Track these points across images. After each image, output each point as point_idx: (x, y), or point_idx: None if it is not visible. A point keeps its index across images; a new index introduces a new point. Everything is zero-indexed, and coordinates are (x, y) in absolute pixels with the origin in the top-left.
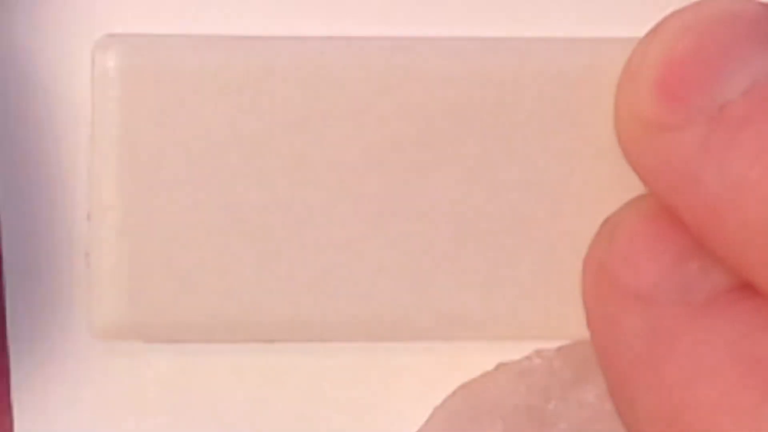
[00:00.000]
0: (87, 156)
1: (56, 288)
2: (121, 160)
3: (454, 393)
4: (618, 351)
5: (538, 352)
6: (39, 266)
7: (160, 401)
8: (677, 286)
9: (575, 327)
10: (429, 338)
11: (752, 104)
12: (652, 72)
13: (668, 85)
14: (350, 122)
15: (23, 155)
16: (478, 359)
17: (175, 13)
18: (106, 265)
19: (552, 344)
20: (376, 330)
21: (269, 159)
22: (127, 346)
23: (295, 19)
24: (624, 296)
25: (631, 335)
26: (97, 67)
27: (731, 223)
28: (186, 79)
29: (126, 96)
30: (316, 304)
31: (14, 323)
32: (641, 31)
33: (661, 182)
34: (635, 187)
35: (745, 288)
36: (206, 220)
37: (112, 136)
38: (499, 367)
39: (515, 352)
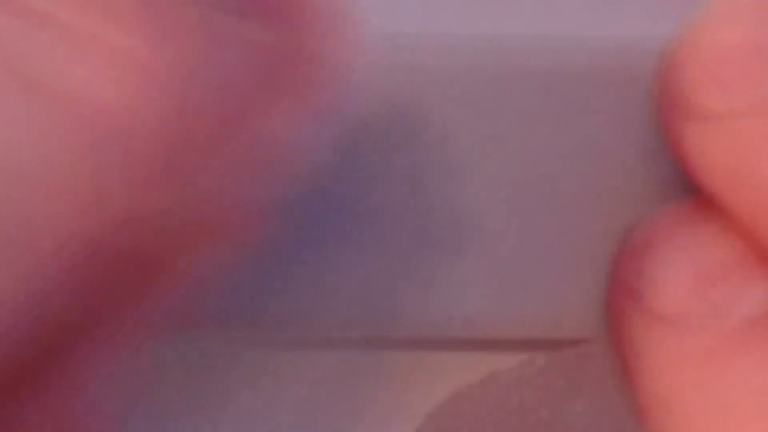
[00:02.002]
0: None
1: None
2: None
3: (446, 400)
4: (641, 375)
5: (532, 361)
6: None
7: (151, 397)
8: (705, 311)
9: (574, 327)
10: (427, 335)
11: None
12: (703, 58)
13: (719, 73)
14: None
15: None
16: (470, 367)
17: None
18: None
19: (546, 353)
20: (373, 327)
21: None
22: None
23: None
24: (652, 320)
25: (656, 361)
26: None
27: None
28: None
29: None
30: (314, 300)
31: None
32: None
33: (714, 178)
34: (639, 187)
35: None
36: None
37: None
38: (492, 375)
39: (508, 360)
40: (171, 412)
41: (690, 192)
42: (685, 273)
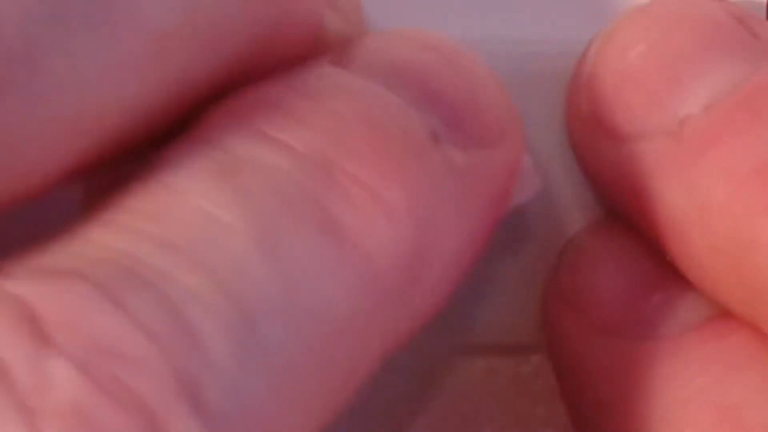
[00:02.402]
0: None
1: None
2: None
3: (441, 397)
4: (579, 384)
5: (527, 359)
6: None
7: None
8: (641, 320)
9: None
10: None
11: (715, 122)
12: (607, 78)
13: (624, 93)
14: None
15: None
16: (466, 364)
17: None
18: None
19: (541, 351)
20: None
21: None
22: None
23: None
24: (591, 331)
25: (593, 370)
26: None
27: (698, 244)
28: None
29: None
30: None
31: None
32: None
33: (622, 199)
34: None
35: (716, 322)
36: None
37: None
38: (488, 373)
39: (503, 358)
40: None
41: None
42: (621, 284)
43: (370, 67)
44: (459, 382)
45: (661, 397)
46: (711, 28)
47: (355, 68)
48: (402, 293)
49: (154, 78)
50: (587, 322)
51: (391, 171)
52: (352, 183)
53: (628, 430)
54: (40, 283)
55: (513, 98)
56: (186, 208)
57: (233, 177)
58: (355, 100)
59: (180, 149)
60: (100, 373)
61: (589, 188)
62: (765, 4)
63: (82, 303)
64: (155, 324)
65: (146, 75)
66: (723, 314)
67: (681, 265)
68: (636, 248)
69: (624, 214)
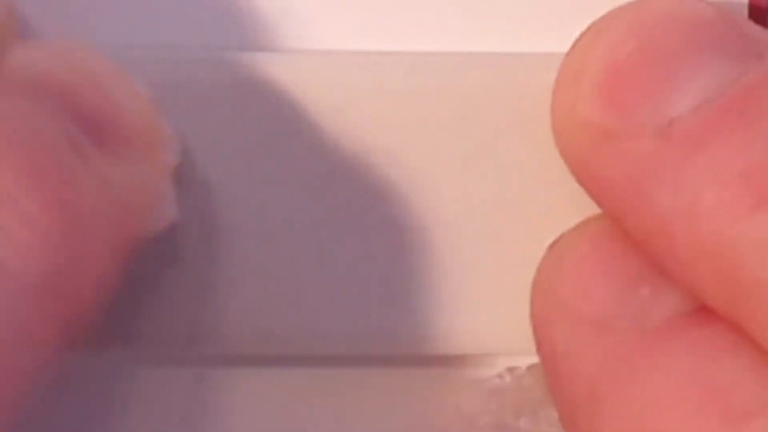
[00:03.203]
0: None
1: None
2: None
3: (424, 410)
4: (570, 379)
5: (510, 370)
6: None
7: (136, 412)
8: (630, 312)
9: None
10: (400, 352)
11: (705, 124)
12: (596, 74)
13: (612, 91)
14: (322, 136)
15: None
16: (448, 376)
17: (156, 24)
18: None
19: (523, 362)
20: (348, 343)
21: (246, 171)
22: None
23: (266, 31)
24: (575, 323)
25: (584, 363)
26: None
27: (683, 244)
28: (165, 91)
29: None
30: (288, 317)
31: None
32: None
33: (608, 196)
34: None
35: (702, 312)
36: (183, 230)
37: None
38: (470, 384)
39: (486, 369)
40: (141, 424)
41: None
42: (607, 278)
43: (10, 79)
44: (435, 394)
45: (650, 383)
46: (702, 27)
47: None
48: (48, 305)
49: None
50: (575, 316)
51: (33, 182)
52: None
53: (619, 419)
54: None
55: (481, 112)
56: None
57: None
58: None
59: None
60: None
61: (572, 190)
62: (746, 4)
63: None
64: None
65: None
66: (704, 306)
67: (666, 264)
68: (622, 245)
69: (611, 212)
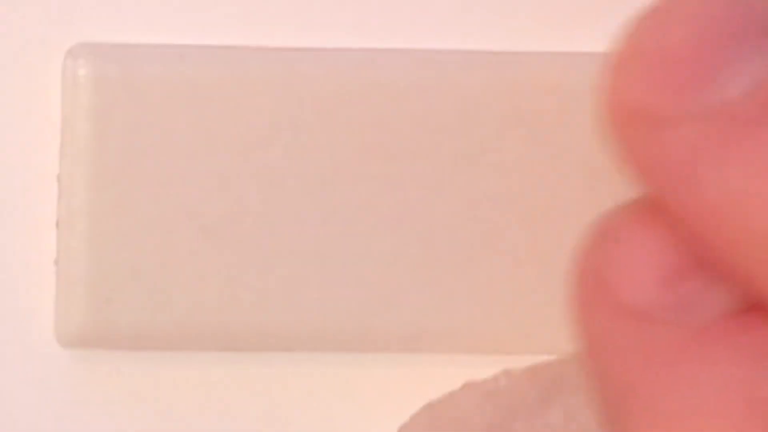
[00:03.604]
0: (56, 163)
1: (24, 295)
2: (90, 168)
3: (419, 411)
4: (612, 368)
5: (505, 372)
6: (6, 274)
7: (127, 410)
8: (675, 305)
9: (544, 342)
10: (396, 350)
11: (757, 109)
12: (647, 57)
13: (664, 74)
14: (322, 134)
15: None
16: (444, 378)
17: (148, 22)
18: (74, 273)
19: (519, 364)
20: (342, 341)
21: (238, 168)
22: (94, 355)
23: (266, 29)
24: (619, 311)
25: (626, 355)
26: (67, 75)
27: (733, 231)
28: (156, 88)
29: (96, 104)
30: (284, 314)
31: None
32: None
33: (656, 181)
34: (608, 201)
35: (751, 314)
36: (175, 229)
37: (81, 144)
38: (466, 386)
39: (482, 371)
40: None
41: None
42: (655, 265)
43: None
44: (430, 395)
45: (690, 388)
46: (756, 10)
47: None
48: None
49: None
50: (616, 304)
51: None
52: None
53: (653, 420)
54: None
55: (483, 111)
56: None
57: None
58: None
59: None
60: None
61: (572, 188)
62: None
63: None
64: None
65: None
66: (756, 306)
67: (716, 253)
68: (669, 234)
69: (661, 199)
